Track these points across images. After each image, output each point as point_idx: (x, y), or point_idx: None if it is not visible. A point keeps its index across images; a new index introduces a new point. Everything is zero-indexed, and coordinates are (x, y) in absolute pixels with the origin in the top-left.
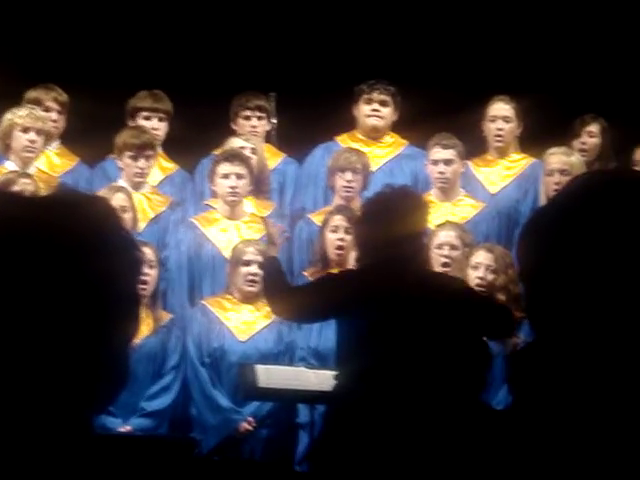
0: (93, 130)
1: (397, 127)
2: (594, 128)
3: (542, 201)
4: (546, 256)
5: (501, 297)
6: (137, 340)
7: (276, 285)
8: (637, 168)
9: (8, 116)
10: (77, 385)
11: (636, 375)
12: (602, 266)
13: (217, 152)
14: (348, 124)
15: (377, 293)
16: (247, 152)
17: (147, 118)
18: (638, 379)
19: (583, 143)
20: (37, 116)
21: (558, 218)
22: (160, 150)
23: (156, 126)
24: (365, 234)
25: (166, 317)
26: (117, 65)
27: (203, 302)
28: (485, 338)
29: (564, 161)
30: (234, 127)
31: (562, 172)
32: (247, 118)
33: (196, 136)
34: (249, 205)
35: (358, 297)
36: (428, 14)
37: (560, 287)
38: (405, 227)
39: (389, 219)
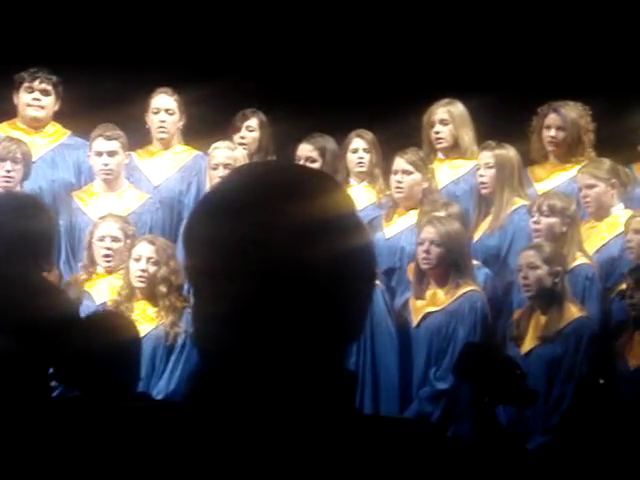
0: None
1: (59, 117)
2: (253, 122)
3: None
4: (205, 247)
5: (163, 289)
6: None
7: None
8: (299, 162)
9: None
10: None
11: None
12: (259, 253)
13: None
14: (9, 112)
15: None
16: None
17: None
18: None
19: (242, 137)
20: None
21: (215, 210)
22: None
23: None
24: None
25: None
26: None
27: None
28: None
29: (228, 155)
30: None
31: (226, 166)
32: None
33: None
34: None
35: None
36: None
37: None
38: None
39: None
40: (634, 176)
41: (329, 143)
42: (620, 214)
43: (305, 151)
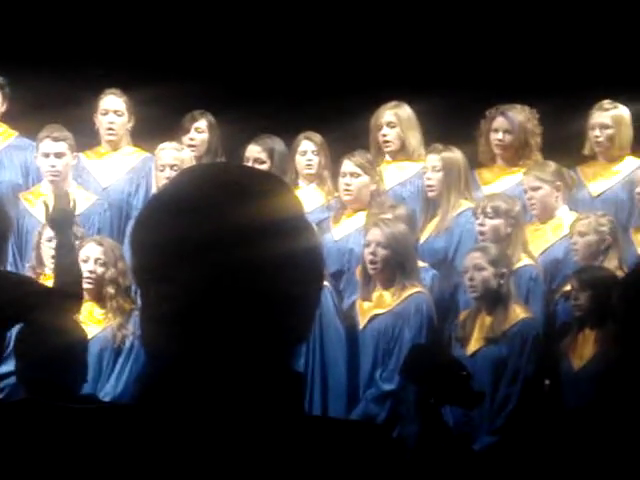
0: None
1: (7, 118)
2: (202, 124)
3: None
4: (151, 249)
5: (110, 290)
6: None
7: None
8: (247, 164)
9: None
10: None
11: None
12: (186, 255)
13: None
14: None
15: None
16: None
17: None
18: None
19: (191, 139)
20: None
21: (162, 211)
22: None
23: None
24: None
25: None
26: None
27: None
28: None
29: (175, 156)
30: None
31: (172, 167)
32: None
33: None
34: None
35: None
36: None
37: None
38: None
39: None
40: (579, 179)
41: (277, 144)
42: (564, 216)
43: (253, 152)
